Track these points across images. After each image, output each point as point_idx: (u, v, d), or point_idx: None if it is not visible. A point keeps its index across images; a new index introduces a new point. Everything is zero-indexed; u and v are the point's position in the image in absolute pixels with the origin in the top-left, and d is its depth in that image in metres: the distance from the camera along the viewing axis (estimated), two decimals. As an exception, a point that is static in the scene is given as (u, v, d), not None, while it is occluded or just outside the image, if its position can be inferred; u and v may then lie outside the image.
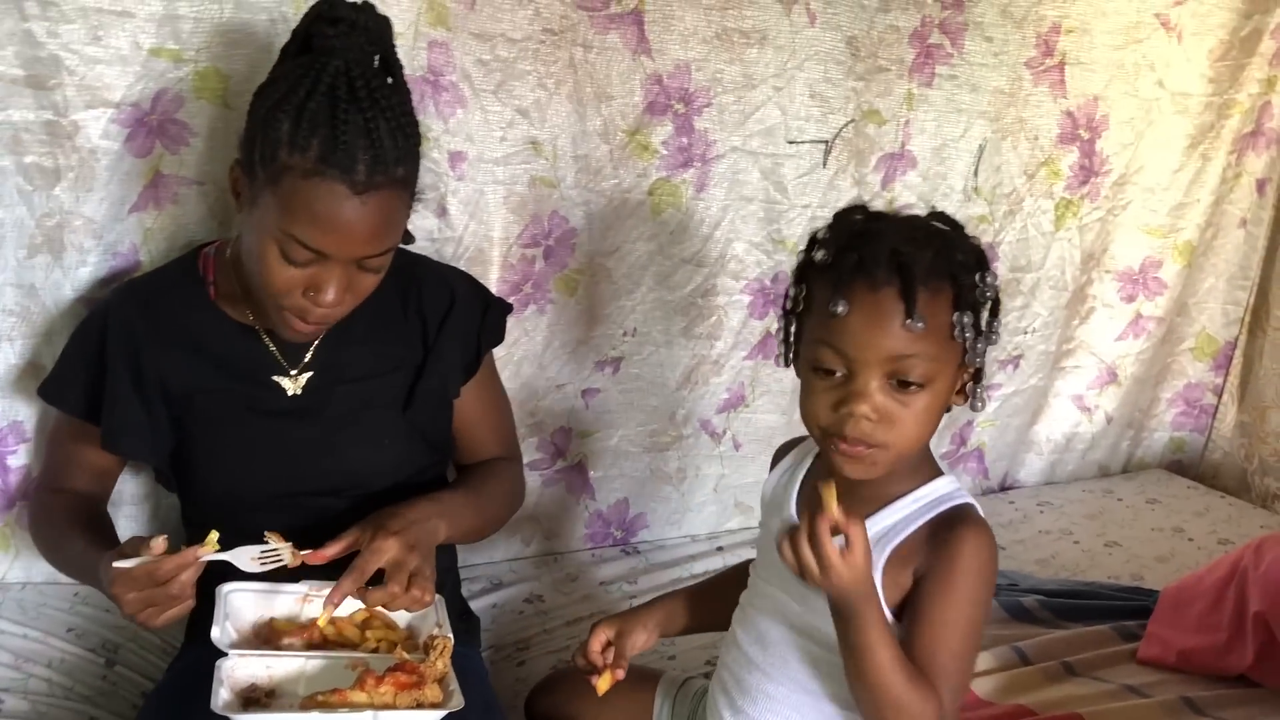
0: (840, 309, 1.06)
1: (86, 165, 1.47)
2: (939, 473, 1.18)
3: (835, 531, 1.01)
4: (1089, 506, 2.44)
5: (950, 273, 1.07)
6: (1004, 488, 2.53)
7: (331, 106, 1.18)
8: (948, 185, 2.11)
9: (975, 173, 2.13)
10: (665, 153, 1.85)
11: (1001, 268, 2.24)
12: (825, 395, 1.10)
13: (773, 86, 1.89)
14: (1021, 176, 2.19)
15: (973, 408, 1.15)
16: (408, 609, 1.26)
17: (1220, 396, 2.68)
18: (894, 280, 1.05)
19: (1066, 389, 2.51)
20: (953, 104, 2.05)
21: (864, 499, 1.14)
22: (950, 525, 1.12)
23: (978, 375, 1.13)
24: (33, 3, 1.38)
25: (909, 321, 1.04)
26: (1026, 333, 2.35)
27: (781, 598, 1.22)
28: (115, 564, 1.14)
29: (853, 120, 1.98)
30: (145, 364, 1.37)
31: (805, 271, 1.13)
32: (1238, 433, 2.65)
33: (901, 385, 1.07)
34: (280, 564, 1.24)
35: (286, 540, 1.25)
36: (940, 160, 2.09)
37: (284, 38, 1.28)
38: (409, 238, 1.36)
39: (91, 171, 1.48)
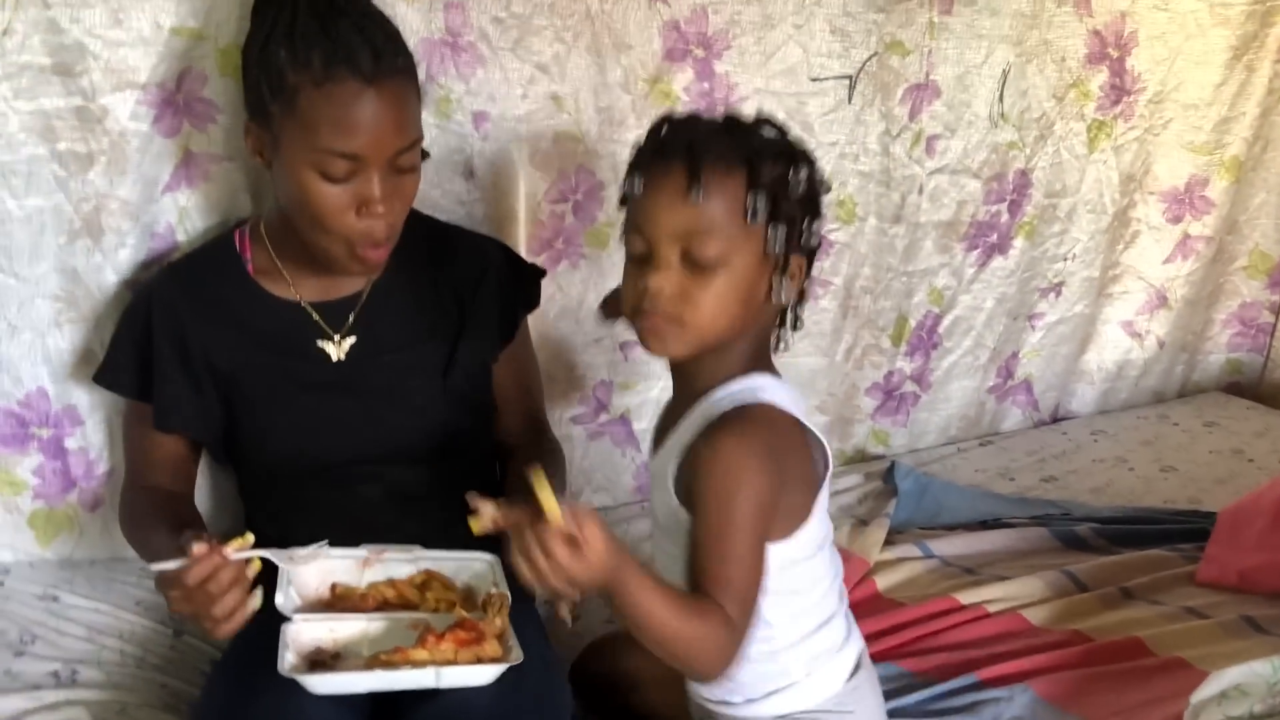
0: (637, 188, 1.14)
1: (118, 148, 1.50)
2: (757, 368, 1.20)
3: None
4: (1144, 433, 2.41)
5: (745, 157, 1.11)
6: (1056, 419, 2.50)
7: (318, 19, 1.24)
8: (972, 113, 2.08)
9: (1000, 98, 2.09)
10: (687, 99, 1.83)
11: (1036, 194, 2.21)
12: (633, 277, 1.16)
13: (792, 24, 1.87)
14: (1050, 100, 2.15)
15: (775, 299, 1.16)
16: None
17: (1278, 314, 2.62)
18: (683, 159, 1.10)
19: (1115, 315, 2.47)
20: (973, 30, 2.02)
21: (687, 396, 1.20)
22: (709, 431, 1.14)
23: (784, 266, 1.15)
24: (53, -10, 1.41)
25: (691, 194, 1.09)
26: (1066, 259, 2.32)
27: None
28: (153, 565, 1.15)
29: (876, 53, 1.95)
30: (191, 343, 1.40)
31: (629, 167, 1.18)
32: (1297, 349, 2.60)
33: (696, 264, 1.11)
34: (317, 556, 1.27)
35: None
36: (964, 88, 2.05)
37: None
38: (425, 154, 1.38)
39: (123, 154, 1.50)
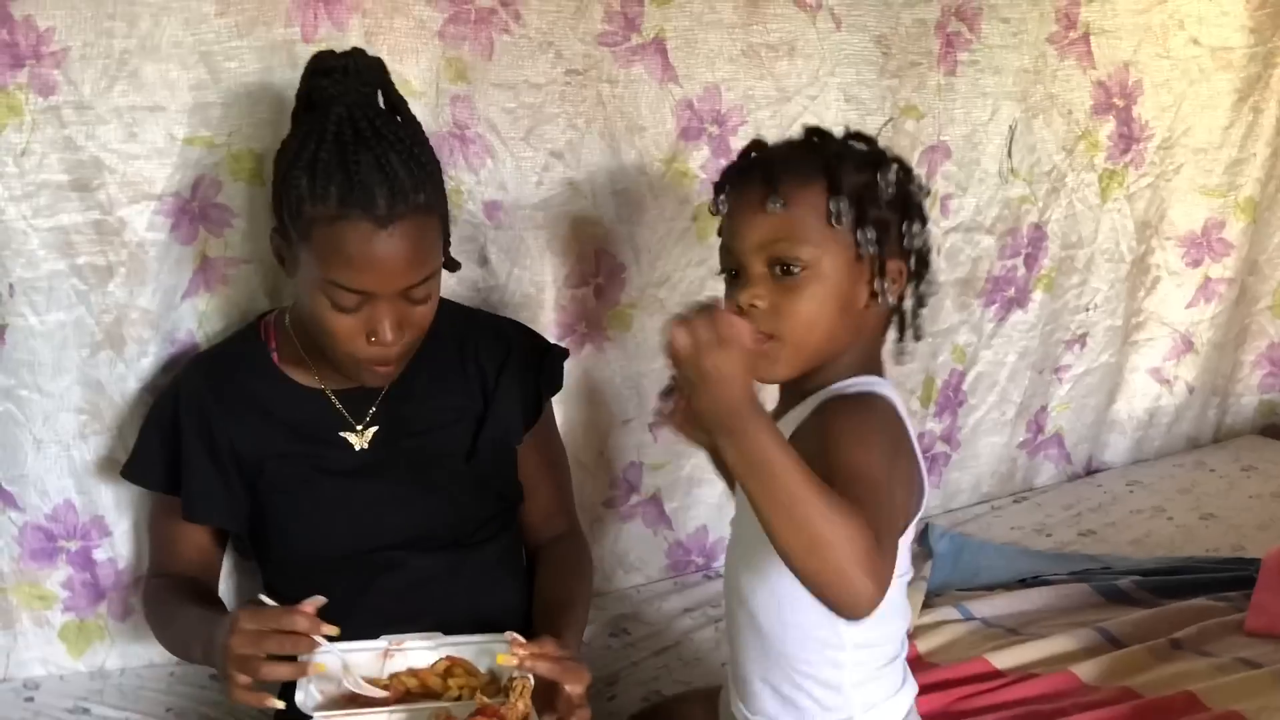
0: (720, 208, 1.18)
1: (136, 259, 1.52)
2: (874, 375, 1.18)
3: None
4: (1180, 481, 2.37)
5: (822, 165, 1.13)
6: (1090, 471, 2.46)
7: (341, 152, 1.23)
8: (982, 170, 2.08)
9: (1009, 154, 2.10)
10: (704, 176, 1.84)
11: (1053, 246, 2.21)
12: (730, 299, 1.16)
13: (807, 96, 1.88)
14: (1060, 153, 2.15)
15: (881, 303, 1.16)
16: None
17: (1309, 352, 2.59)
18: (759, 173, 1.14)
19: (1142, 363, 2.45)
20: (977, 89, 2.03)
21: (793, 397, 1.19)
22: (834, 405, 1.13)
23: (883, 269, 1.15)
24: (69, 109, 1.44)
25: (768, 203, 1.11)
26: (1088, 310, 2.30)
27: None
28: (260, 596, 1.20)
29: (891, 119, 1.96)
30: (217, 433, 1.41)
31: (715, 189, 1.21)
32: (1330, 387, 2.56)
33: (785, 272, 1.12)
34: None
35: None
36: (972, 146, 2.06)
37: (307, 111, 1.31)
38: (453, 265, 1.39)
39: (142, 264, 1.52)
